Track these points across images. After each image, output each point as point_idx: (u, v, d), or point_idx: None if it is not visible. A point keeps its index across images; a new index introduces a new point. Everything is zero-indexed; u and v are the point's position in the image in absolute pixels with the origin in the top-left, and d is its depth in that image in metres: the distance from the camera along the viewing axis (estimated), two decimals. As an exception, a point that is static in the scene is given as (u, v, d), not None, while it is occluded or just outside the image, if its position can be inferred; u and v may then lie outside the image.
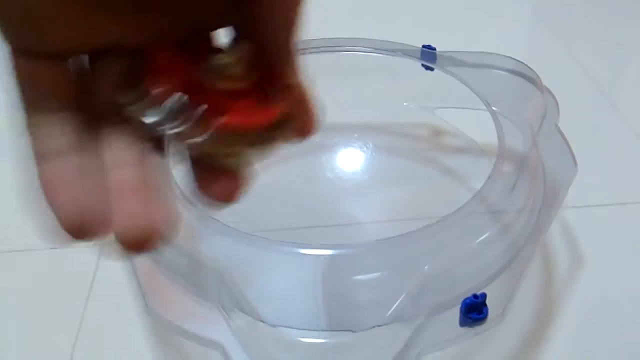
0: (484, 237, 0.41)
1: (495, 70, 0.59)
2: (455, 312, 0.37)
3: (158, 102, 0.23)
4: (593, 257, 0.51)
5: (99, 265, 0.52)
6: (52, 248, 0.54)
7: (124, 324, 0.47)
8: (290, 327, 0.38)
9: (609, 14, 0.91)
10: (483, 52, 0.60)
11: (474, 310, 0.36)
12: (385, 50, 0.61)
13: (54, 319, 0.48)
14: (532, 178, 0.45)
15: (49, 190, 0.22)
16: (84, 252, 0.53)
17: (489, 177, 0.43)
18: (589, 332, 0.45)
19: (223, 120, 0.23)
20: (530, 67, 0.57)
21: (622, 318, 0.46)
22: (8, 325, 0.48)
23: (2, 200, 0.59)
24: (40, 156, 0.23)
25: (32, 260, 0.53)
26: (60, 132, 0.23)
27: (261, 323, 0.37)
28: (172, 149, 0.25)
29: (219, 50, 0.25)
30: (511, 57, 0.59)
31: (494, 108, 0.52)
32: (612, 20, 0.90)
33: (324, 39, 0.61)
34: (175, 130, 0.23)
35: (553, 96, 0.55)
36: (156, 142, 0.24)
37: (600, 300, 0.48)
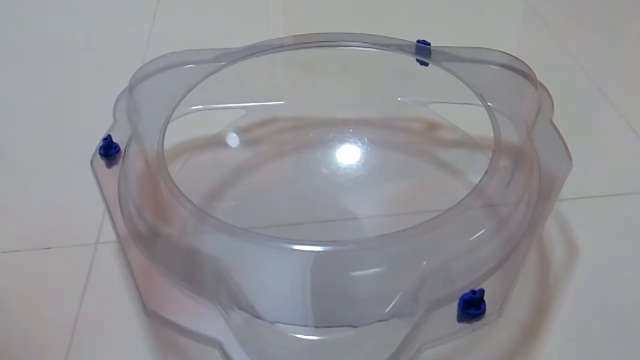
0: (481, 232, 0.41)
1: (489, 65, 0.59)
2: (453, 308, 0.37)
3: None
4: (589, 249, 0.51)
5: (93, 264, 0.51)
6: (45, 248, 0.53)
7: (120, 322, 0.47)
8: (287, 324, 0.38)
9: (602, 7, 0.91)
10: (477, 47, 0.60)
11: (472, 306, 0.36)
12: (380, 45, 0.61)
13: (48, 320, 0.47)
14: (527, 172, 0.46)
15: None
16: (78, 252, 0.52)
17: (485, 172, 0.43)
18: (587, 325, 0.45)
19: None
20: (524, 61, 0.57)
21: (619, 310, 0.47)
22: (2, 325, 0.47)
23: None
24: None
25: (25, 261, 0.53)
26: None
27: (259, 320, 0.37)
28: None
29: None
30: (505, 52, 0.59)
31: (488, 103, 0.52)
32: (606, 12, 0.90)
33: (318, 33, 0.61)
34: None
35: (547, 91, 0.55)
36: None
37: (597, 292, 0.48)
